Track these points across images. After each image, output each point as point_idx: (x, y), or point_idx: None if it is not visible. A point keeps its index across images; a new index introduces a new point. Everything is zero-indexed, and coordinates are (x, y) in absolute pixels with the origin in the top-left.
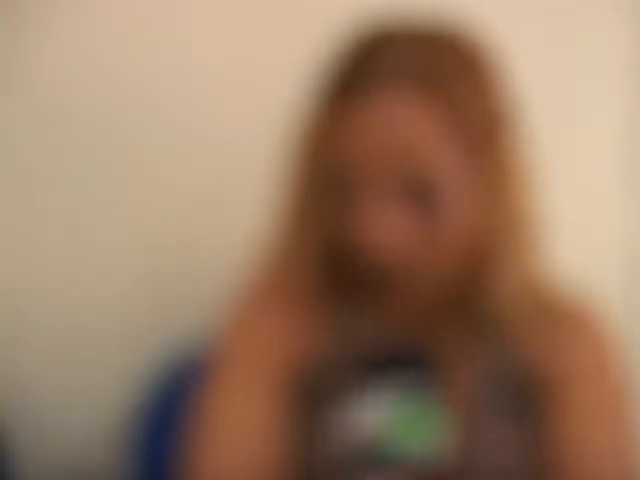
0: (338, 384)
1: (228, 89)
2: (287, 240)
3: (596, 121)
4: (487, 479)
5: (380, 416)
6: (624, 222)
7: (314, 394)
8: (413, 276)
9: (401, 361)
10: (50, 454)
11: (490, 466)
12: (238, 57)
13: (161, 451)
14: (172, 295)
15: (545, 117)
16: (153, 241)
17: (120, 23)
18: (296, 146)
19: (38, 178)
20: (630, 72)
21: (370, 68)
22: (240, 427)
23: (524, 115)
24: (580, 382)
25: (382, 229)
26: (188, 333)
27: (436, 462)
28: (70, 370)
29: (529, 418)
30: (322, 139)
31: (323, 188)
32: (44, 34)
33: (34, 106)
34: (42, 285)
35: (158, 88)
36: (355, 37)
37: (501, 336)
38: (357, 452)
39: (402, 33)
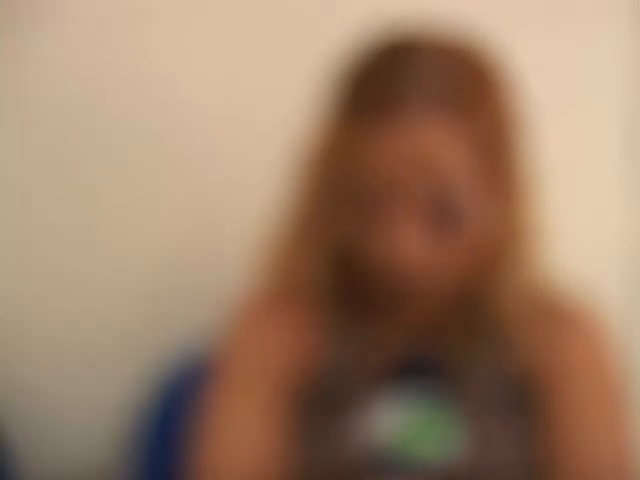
0: (352, 389)
1: (236, 93)
2: (294, 246)
3: (596, 122)
4: None
5: (395, 421)
6: (624, 223)
7: (328, 398)
8: (429, 286)
9: (415, 367)
10: (51, 457)
11: (498, 469)
12: (249, 62)
13: (162, 456)
14: (174, 301)
15: (545, 119)
16: (155, 247)
17: (120, 25)
18: (310, 157)
19: (38, 187)
20: (631, 75)
21: (397, 85)
22: (241, 433)
23: (528, 117)
24: (577, 382)
25: (406, 243)
26: (190, 338)
27: (450, 467)
28: (71, 373)
29: (530, 420)
30: (341, 152)
31: (337, 197)
32: (44, 35)
33: (33, 106)
34: (43, 289)
35: (163, 92)
36: (374, 50)
37: (503, 339)
38: (372, 457)
39: (424, 48)
